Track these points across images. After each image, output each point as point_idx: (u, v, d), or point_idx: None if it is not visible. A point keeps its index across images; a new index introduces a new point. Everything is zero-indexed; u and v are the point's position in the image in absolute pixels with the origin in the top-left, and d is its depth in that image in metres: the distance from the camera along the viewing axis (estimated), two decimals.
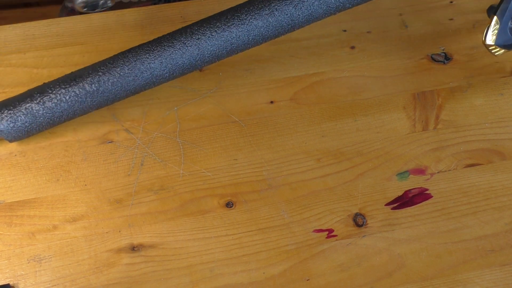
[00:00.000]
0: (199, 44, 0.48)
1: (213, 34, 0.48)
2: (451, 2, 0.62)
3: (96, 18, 0.58)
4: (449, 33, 0.60)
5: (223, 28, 0.48)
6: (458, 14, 0.61)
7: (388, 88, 0.56)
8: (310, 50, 0.58)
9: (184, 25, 0.57)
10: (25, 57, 0.55)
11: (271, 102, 0.55)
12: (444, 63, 0.58)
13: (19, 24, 0.57)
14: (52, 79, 0.53)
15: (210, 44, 0.48)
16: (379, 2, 0.61)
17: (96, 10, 0.63)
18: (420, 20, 0.61)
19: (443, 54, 0.59)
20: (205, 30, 0.48)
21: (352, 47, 0.58)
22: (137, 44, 0.54)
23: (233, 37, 0.48)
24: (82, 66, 0.49)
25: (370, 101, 0.56)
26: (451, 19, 0.61)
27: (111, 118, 0.53)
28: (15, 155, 0.51)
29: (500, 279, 0.49)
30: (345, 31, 0.59)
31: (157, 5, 0.59)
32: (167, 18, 0.58)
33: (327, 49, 0.58)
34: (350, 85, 0.56)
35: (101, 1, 0.61)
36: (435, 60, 0.58)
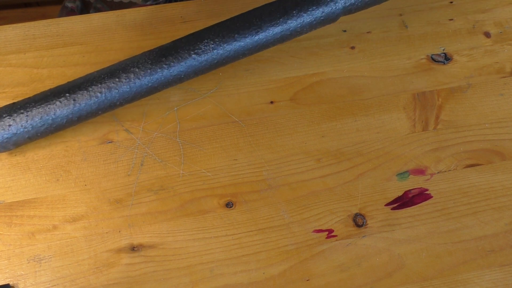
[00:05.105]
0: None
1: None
2: (451, 2, 0.62)
3: (96, 18, 0.58)
4: (449, 33, 0.60)
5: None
6: (458, 14, 0.61)
7: (388, 88, 0.56)
8: (310, 50, 0.58)
9: (184, 25, 0.58)
10: (25, 57, 0.55)
11: (271, 102, 0.55)
12: (444, 63, 0.58)
13: (19, 24, 0.57)
14: (52, 79, 0.54)
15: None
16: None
17: None
18: (420, 20, 0.60)
19: (443, 54, 0.59)
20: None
21: (352, 47, 0.58)
22: (136, 45, 0.54)
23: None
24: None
25: (370, 101, 0.56)
26: (451, 19, 0.61)
27: (111, 118, 0.53)
28: (15, 155, 0.51)
29: (500, 280, 0.49)
30: (345, 31, 0.59)
31: (157, 5, 0.59)
32: (167, 18, 0.58)
33: (327, 49, 0.58)
34: (350, 85, 0.56)
35: None
36: (435, 60, 0.58)
